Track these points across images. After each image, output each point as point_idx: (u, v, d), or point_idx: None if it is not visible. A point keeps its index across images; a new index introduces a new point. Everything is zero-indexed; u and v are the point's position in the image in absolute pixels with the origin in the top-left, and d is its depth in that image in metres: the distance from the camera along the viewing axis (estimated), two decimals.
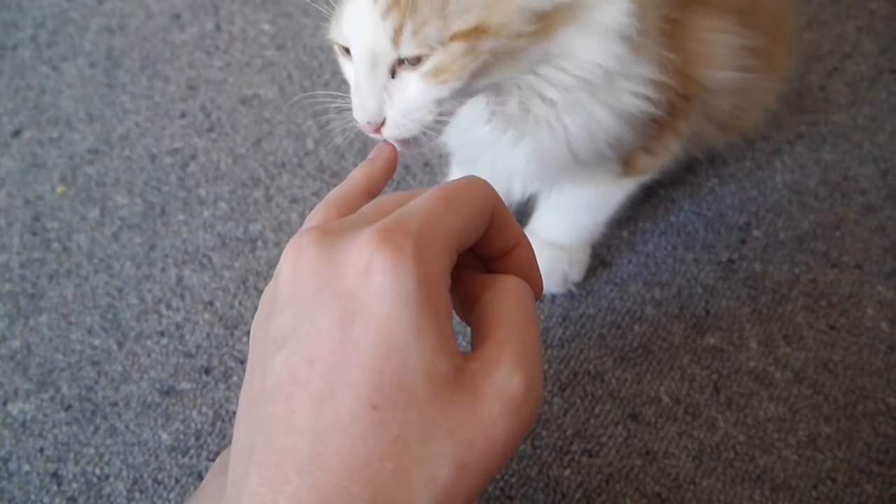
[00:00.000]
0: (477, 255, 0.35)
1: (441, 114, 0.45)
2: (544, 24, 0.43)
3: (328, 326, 0.28)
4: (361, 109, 0.44)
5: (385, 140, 0.44)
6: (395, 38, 0.41)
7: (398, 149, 0.42)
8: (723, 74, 0.55)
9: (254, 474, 0.28)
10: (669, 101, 0.52)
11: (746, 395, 0.64)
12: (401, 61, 0.42)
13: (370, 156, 0.41)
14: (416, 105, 0.43)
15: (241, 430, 0.31)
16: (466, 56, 0.42)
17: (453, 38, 0.41)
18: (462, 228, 0.31)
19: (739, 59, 0.54)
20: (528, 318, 0.32)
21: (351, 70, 0.45)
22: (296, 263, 0.30)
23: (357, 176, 0.39)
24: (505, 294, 0.32)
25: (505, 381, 0.29)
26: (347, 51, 0.45)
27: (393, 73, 0.43)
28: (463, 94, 0.44)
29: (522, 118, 0.49)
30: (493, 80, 0.45)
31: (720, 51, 0.54)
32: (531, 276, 0.35)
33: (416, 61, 0.42)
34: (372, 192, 0.38)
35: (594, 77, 0.46)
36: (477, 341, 0.31)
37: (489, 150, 0.54)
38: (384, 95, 0.43)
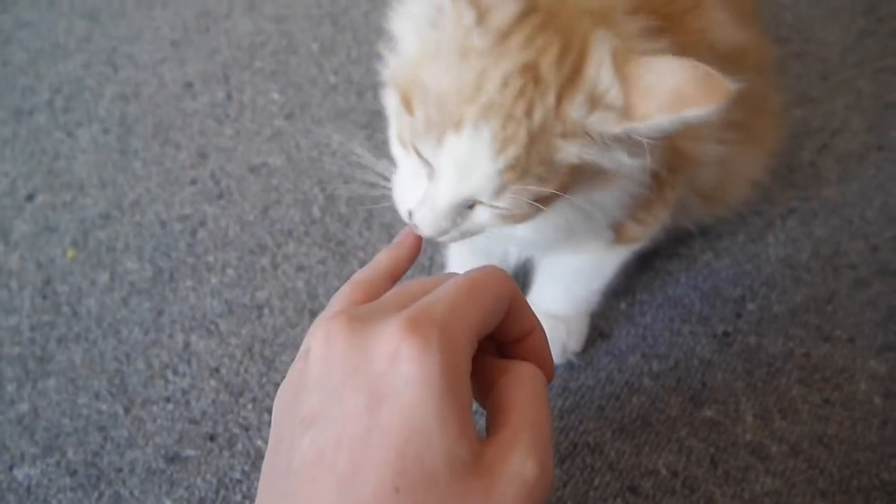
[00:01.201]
0: (493, 340, 0.37)
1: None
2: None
3: (356, 409, 0.30)
4: (431, 227, 0.45)
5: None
6: (497, 194, 0.43)
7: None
8: (707, 148, 0.57)
9: None
10: (657, 173, 0.54)
11: (743, 468, 0.65)
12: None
13: (396, 239, 0.43)
14: (473, 229, 0.46)
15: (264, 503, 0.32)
16: (534, 211, 0.45)
17: (539, 199, 0.44)
18: (483, 318, 0.33)
19: (722, 133, 0.57)
20: (542, 404, 0.34)
21: (410, 164, 0.46)
22: (327, 347, 0.32)
23: (382, 259, 0.41)
24: (520, 381, 0.34)
25: (520, 466, 0.30)
26: (424, 159, 0.45)
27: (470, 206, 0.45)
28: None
29: None
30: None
31: (704, 125, 0.56)
32: (544, 361, 0.37)
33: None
34: (395, 275, 0.41)
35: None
36: (493, 426, 0.33)
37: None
38: (458, 221, 0.45)
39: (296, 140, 0.90)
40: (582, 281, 0.69)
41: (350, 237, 0.81)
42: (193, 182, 0.87)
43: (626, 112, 0.42)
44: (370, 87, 0.94)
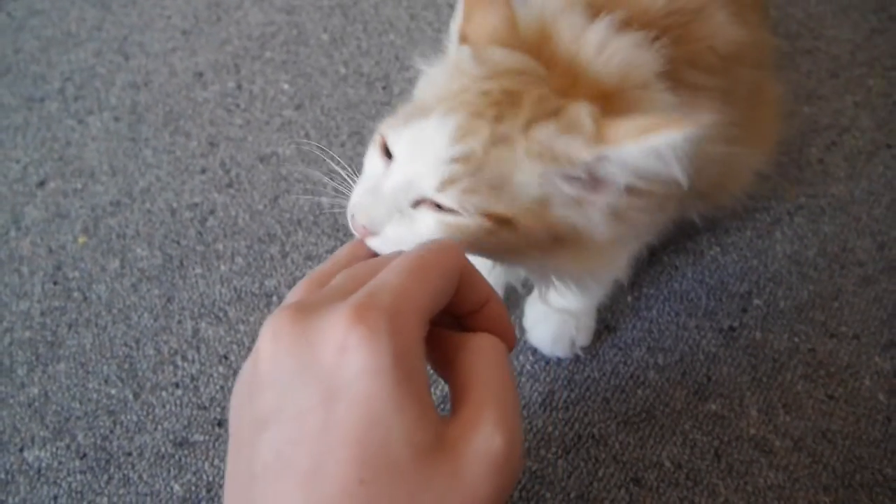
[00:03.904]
0: (448, 313, 0.36)
1: None
2: (558, 244, 0.46)
3: (310, 406, 0.29)
4: (366, 213, 0.43)
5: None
6: (445, 185, 0.42)
7: None
8: (710, 148, 0.57)
9: None
10: None
11: (747, 462, 0.65)
12: (435, 205, 0.43)
13: (357, 237, 0.43)
14: (416, 238, 0.43)
15: None
16: (484, 232, 0.43)
17: (486, 214, 0.42)
18: (432, 297, 0.32)
19: (724, 132, 0.57)
20: (504, 374, 0.33)
21: (375, 166, 0.45)
22: (274, 344, 0.31)
23: (341, 253, 0.41)
24: (479, 353, 0.33)
25: (486, 442, 0.30)
26: (388, 152, 0.45)
27: (415, 203, 0.43)
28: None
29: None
30: (488, 255, 0.48)
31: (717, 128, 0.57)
32: (503, 330, 0.36)
33: (441, 207, 0.43)
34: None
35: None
36: (456, 403, 0.32)
37: None
38: (396, 215, 0.43)
39: (305, 130, 0.91)
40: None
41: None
42: (203, 171, 0.87)
43: (596, 137, 0.42)
44: (380, 79, 0.95)
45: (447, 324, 0.36)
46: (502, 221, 0.43)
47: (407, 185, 0.43)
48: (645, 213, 0.47)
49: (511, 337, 0.37)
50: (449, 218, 0.43)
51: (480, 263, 0.43)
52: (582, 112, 0.43)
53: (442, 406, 0.64)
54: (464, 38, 0.49)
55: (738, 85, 0.60)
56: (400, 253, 0.35)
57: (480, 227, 0.43)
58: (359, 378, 0.29)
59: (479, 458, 0.30)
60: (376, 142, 0.46)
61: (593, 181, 0.44)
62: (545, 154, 0.43)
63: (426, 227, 0.43)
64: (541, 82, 0.45)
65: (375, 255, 0.43)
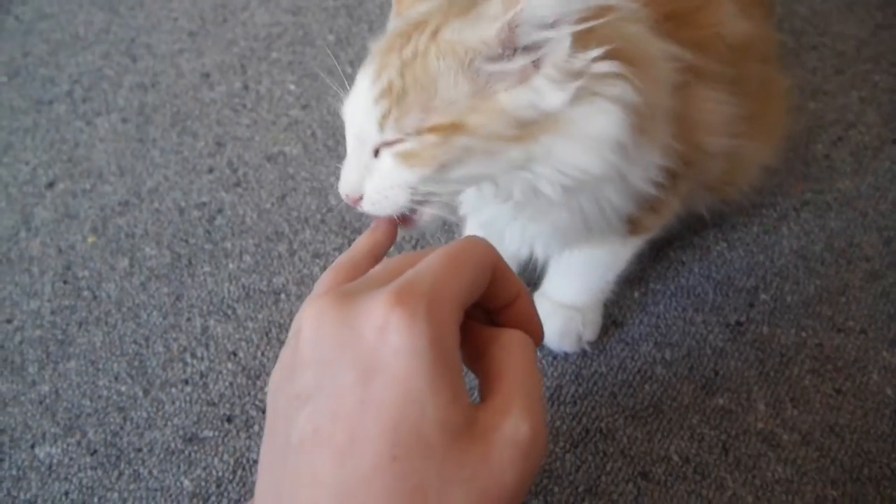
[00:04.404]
0: (481, 308, 0.37)
1: (418, 197, 0.46)
2: (527, 130, 0.45)
3: (349, 384, 0.30)
4: (344, 181, 0.47)
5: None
6: (382, 123, 0.44)
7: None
8: (720, 141, 0.58)
9: None
10: (673, 166, 0.55)
11: (754, 456, 0.65)
12: (386, 144, 0.45)
13: (372, 225, 0.45)
14: (388, 184, 0.46)
15: (264, 482, 0.33)
16: (437, 148, 0.44)
17: (431, 129, 0.44)
18: (468, 287, 0.33)
19: (733, 125, 0.57)
20: (531, 369, 0.34)
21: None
22: (316, 325, 0.32)
23: (361, 242, 0.42)
24: (509, 348, 0.35)
25: (513, 429, 0.31)
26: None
27: (376, 154, 0.46)
28: (437, 181, 0.46)
29: (536, 200, 0.51)
30: (472, 174, 0.47)
31: (718, 118, 0.57)
32: (531, 325, 0.38)
33: (392, 143, 0.45)
34: (376, 256, 0.41)
35: (585, 181, 0.48)
36: (485, 393, 0.33)
37: (510, 225, 0.57)
38: (365, 172, 0.46)
39: (312, 129, 0.91)
40: (597, 272, 0.69)
41: (366, 225, 0.81)
42: (211, 170, 0.88)
43: (503, 11, 0.42)
44: None
45: (479, 319, 0.37)
46: (450, 129, 0.44)
47: (359, 142, 0.46)
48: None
49: (539, 333, 0.38)
50: (398, 148, 0.45)
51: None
52: (493, 3, 0.43)
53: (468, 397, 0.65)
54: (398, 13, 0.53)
55: (746, 77, 0.60)
56: (434, 249, 0.36)
57: (430, 147, 0.44)
58: (396, 357, 0.30)
59: (507, 444, 0.30)
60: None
61: (523, 54, 0.43)
62: (457, 49, 0.43)
63: (388, 168, 0.45)
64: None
65: (394, 237, 0.44)
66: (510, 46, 0.43)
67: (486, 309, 0.38)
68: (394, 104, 0.44)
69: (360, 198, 0.46)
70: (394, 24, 0.52)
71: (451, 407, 0.30)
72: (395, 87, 0.44)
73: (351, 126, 0.47)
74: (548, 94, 0.44)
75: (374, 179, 0.46)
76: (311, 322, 0.32)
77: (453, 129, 0.44)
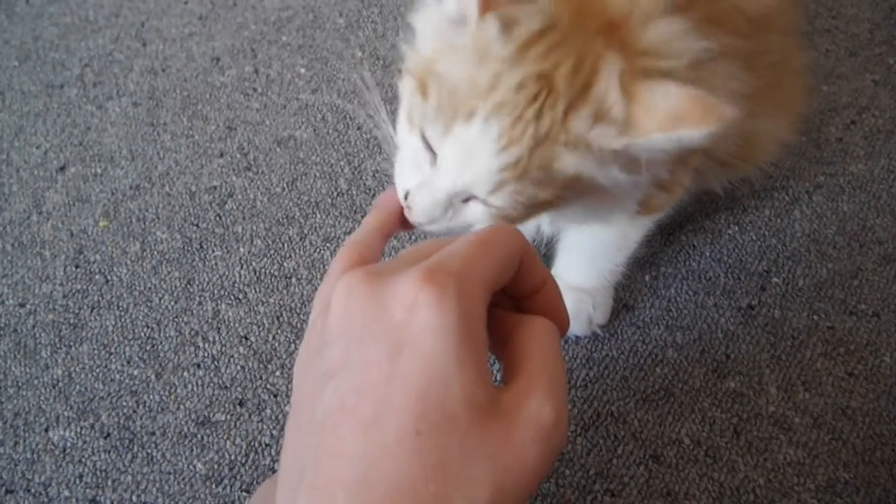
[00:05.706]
0: (508, 295, 0.38)
1: None
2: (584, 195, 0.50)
3: (377, 358, 0.30)
4: (424, 212, 0.47)
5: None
6: (494, 191, 0.46)
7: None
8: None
9: (303, 498, 0.30)
10: None
11: (766, 439, 0.65)
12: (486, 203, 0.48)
13: (376, 204, 0.47)
14: (469, 221, 0.49)
15: (289, 457, 0.33)
16: (526, 212, 0.49)
17: (540, 204, 0.48)
18: (496, 271, 0.34)
19: (746, 101, 0.57)
20: (556, 354, 0.34)
21: (415, 149, 0.48)
22: (346, 302, 0.32)
23: (369, 220, 0.43)
24: (534, 334, 0.35)
25: (537, 410, 0.31)
26: (428, 146, 0.47)
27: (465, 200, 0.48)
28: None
29: None
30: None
31: (730, 94, 0.56)
32: (557, 314, 0.38)
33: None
34: (386, 233, 0.43)
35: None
36: (509, 375, 0.34)
37: None
38: (450, 208, 0.48)
39: (322, 113, 0.91)
40: (606, 254, 0.69)
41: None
42: (221, 154, 0.88)
43: (626, 128, 0.45)
44: (396, 62, 0.95)
45: (505, 306, 0.38)
46: (543, 202, 0.48)
47: (459, 191, 0.47)
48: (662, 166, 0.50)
49: (564, 322, 0.39)
50: (496, 207, 0.48)
51: None
52: (611, 90, 0.44)
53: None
54: (486, 6, 0.46)
55: (765, 51, 0.59)
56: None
57: (524, 212, 0.48)
58: (425, 333, 0.30)
59: (530, 425, 0.31)
60: (408, 118, 0.49)
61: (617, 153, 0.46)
62: (580, 143, 0.45)
63: (474, 216, 0.48)
64: (563, 43, 0.45)
65: (400, 213, 0.47)
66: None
67: (513, 296, 0.38)
68: (514, 178, 0.45)
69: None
70: (499, 46, 0.45)
71: (476, 384, 0.30)
72: (521, 163, 0.45)
73: (452, 173, 0.46)
74: (618, 178, 0.48)
75: (455, 218, 0.49)
76: (340, 299, 0.33)
77: (547, 203, 0.48)
